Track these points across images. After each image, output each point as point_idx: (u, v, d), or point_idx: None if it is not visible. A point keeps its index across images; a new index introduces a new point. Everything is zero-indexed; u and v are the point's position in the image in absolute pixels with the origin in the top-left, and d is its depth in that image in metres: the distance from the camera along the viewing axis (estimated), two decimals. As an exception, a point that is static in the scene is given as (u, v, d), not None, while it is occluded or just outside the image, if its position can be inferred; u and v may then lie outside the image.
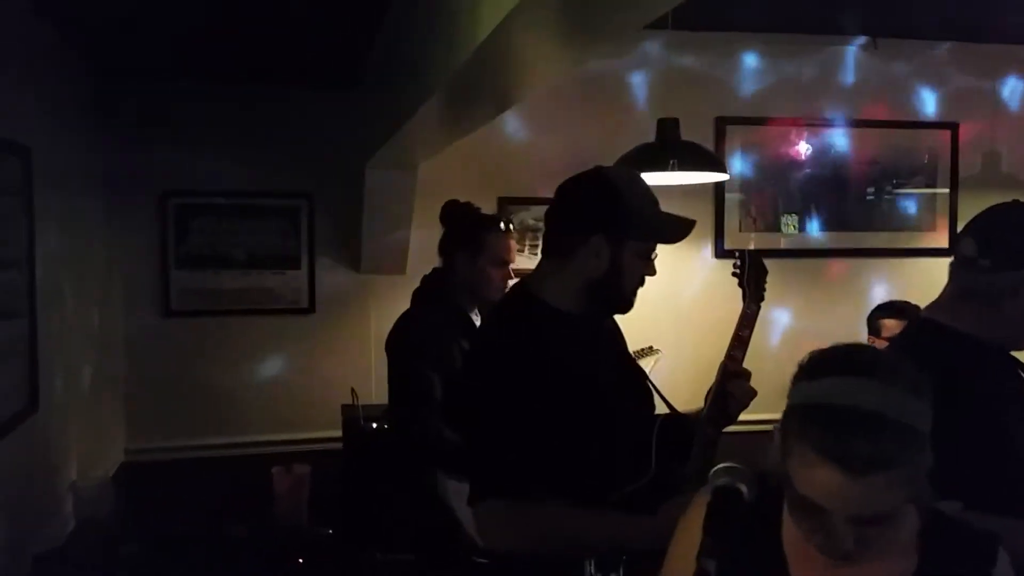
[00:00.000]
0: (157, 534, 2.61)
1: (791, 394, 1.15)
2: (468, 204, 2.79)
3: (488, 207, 3.35)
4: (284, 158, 3.52)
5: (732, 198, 3.81)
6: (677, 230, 1.85)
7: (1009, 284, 1.73)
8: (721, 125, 3.77)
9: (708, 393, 1.97)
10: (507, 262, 2.74)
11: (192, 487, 3.09)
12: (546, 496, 1.64)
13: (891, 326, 3.34)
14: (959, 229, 3.90)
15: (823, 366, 1.13)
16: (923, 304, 1.96)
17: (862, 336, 3.45)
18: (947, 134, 3.96)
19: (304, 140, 3.52)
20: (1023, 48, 3.86)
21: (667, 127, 3.02)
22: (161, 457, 3.41)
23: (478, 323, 2.73)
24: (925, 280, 3.85)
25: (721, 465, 1.17)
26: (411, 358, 2.61)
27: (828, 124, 3.89)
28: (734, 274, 2.08)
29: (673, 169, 2.88)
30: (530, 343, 1.72)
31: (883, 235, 3.98)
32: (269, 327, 3.57)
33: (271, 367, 3.58)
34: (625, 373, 1.91)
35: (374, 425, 3.22)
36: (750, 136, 3.82)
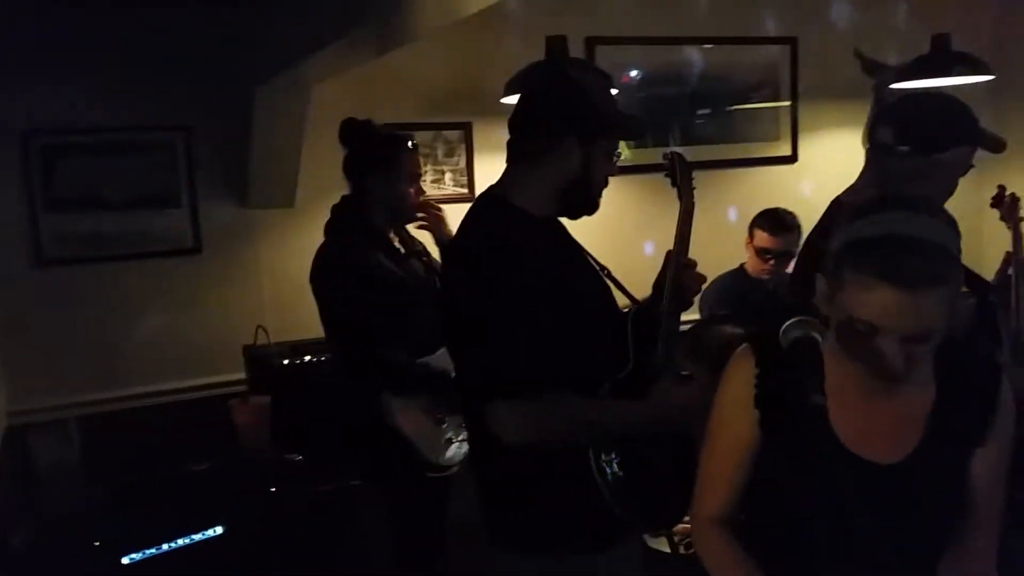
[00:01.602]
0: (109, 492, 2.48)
1: (840, 235, 1.30)
2: (369, 122, 2.74)
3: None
4: (158, 87, 3.27)
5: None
6: (639, 126, 1.94)
7: (924, 167, 1.98)
8: (591, 44, 3.90)
9: (656, 284, 2.13)
10: (419, 177, 2.75)
11: (104, 444, 2.91)
12: (550, 391, 1.71)
13: (761, 238, 3.63)
14: (799, 139, 4.34)
15: (865, 210, 1.29)
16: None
17: (732, 243, 3.75)
18: (787, 48, 4.30)
19: (180, 67, 3.26)
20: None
21: (557, 44, 3.11)
22: (46, 418, 3.16)
23: (397, 245, 2.74)
24: (775, 186, 4.25)
25: (793, 320, 1.30)
26: (341, 288, 2.57)
27: (681, 41, 4.10)
28: (666, 175, 2.24)
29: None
30: (509, 247, 1.76)
31: (736, 147, 4.29)
32: (153, 270, 3.34)
33: (160, 313, 3.37)
34: (592, 271, 2.00)
35: (285, 362, 3.16)
36: (619, 55, 3.97)
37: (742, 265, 3.69)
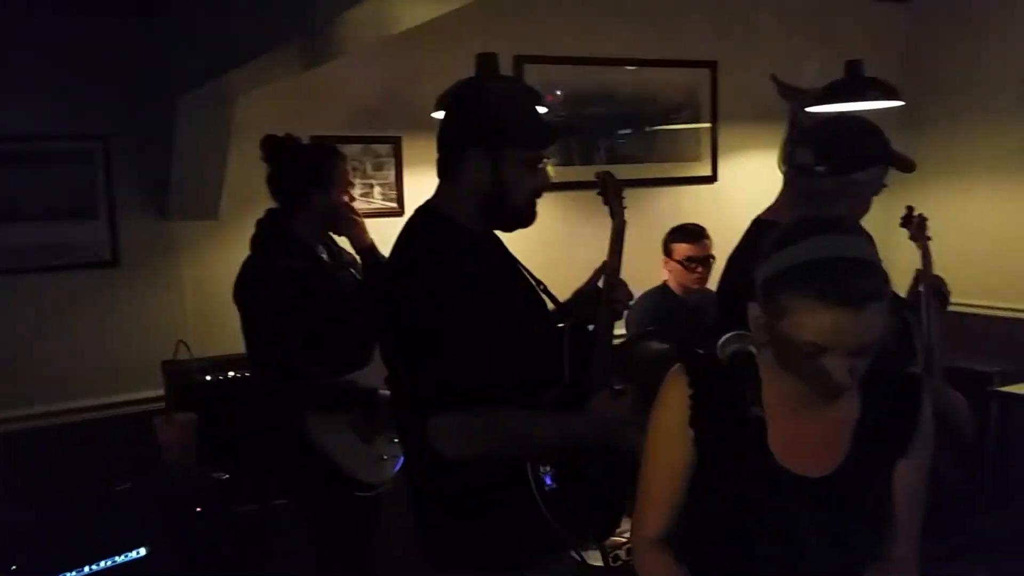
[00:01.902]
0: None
1: (771, 264, 1.33)
2: (289, 136, 2.71)
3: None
4: (74, 96, 3.16)
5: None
6: (554, 133, 1.95)
7: (841, 187, 2.06)
8: (520, 63, 3.95)
9: (578, 294, 2.17)
10: (352, 186, 2.76)
11: (20, 463, 2.78)
12: (489, 405, 1.72)
13: (681, 249, 3.73)
14: (719, 159, 4.46)
15: (795, 234, 1.33)
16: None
17: (653, 258, 3.83)
18: (708, 72, 4.43)
19: (99, 75, 3.17)
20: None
21: (487, 62, 3.14)
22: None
23: (326, 257, 2.71)
24: (695, 204, 4.36)
25: (729, 335, 1.34)
26: (266, 304, 2.52)
27: (607, 63, 4.18)
28: (598, 193, 2.29)
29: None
30: (446, 260, 1.77)
31: (658, 166, 4.39)
32: (70, 283, 3.23)
33: (77, 327, 3.25)
34: (528, 285, 2.02)
35: (208, 378, 3.09)
36: (547, 74, 4.02)
37: (664, 283, 3.77)
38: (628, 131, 4.28)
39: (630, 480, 1.61)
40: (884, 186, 2.14)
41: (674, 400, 1.44)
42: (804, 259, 1.29)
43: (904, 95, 3.66)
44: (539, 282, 2.04)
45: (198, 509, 2.58)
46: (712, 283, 3.63)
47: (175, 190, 3.29)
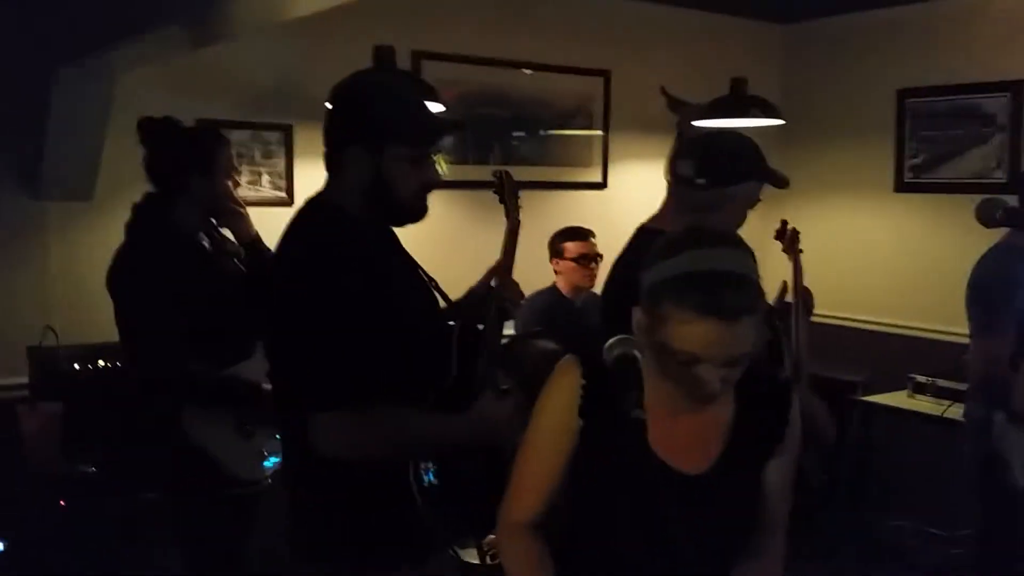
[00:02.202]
0: None
1: (654, 273, 1.37)
2: (169, 119, 2.61)
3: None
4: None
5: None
6: (437, 130, 1.90)
7: (719, 199, 2.15)
8: (417, 58, 3.93)
9: (471, 293, 2.18)
10: (235, 172, 2.68)
11: None
12: (373, 403, 1.70)
13: (571, 248, 3.81)
14: (609, 166, 4.56)
15: (678, 245, 1.37)
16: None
17: (544, 260, 3.89)
18: (601, 80, 4.52)
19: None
20: (668, 8, 4.52)
21: (385, 54, 3.11)
22: None
23: (208, 246, 2.62)
24: (585, 209, 4.45)
25: (615, 338, 1.37)
26: (142, 293, 2.42)
27: (504, 64, 4.22)
28: (494, 191, 2.31)
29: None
30: (334, 254, 1.74)
31: (551, 169, 4.45)
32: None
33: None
34: (421, 282, 2.00)
35: (76, 366, 2.95)
36: (444, 72, 4.01)
37: (554, 284, 3.83)
38: (522, 133, 4.32)
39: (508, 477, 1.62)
40: (759, 200, 2.24)
41: (566, 387, 1.46)
42: (685, 270, 1.33)
43: (783, 114, 3.83)
44: (431, 279, 2.02)
45: (61, 503, 2.46)
46: (598, 287, 3.73)
47: (47, 169, 3.12)
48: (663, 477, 1.42)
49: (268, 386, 2.28)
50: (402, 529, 1.78)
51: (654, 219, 2.32)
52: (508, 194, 2.28)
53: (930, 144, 4.49)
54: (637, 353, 1.35)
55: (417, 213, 1.87)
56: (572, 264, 3.77)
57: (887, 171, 4.63)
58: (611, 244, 3.82)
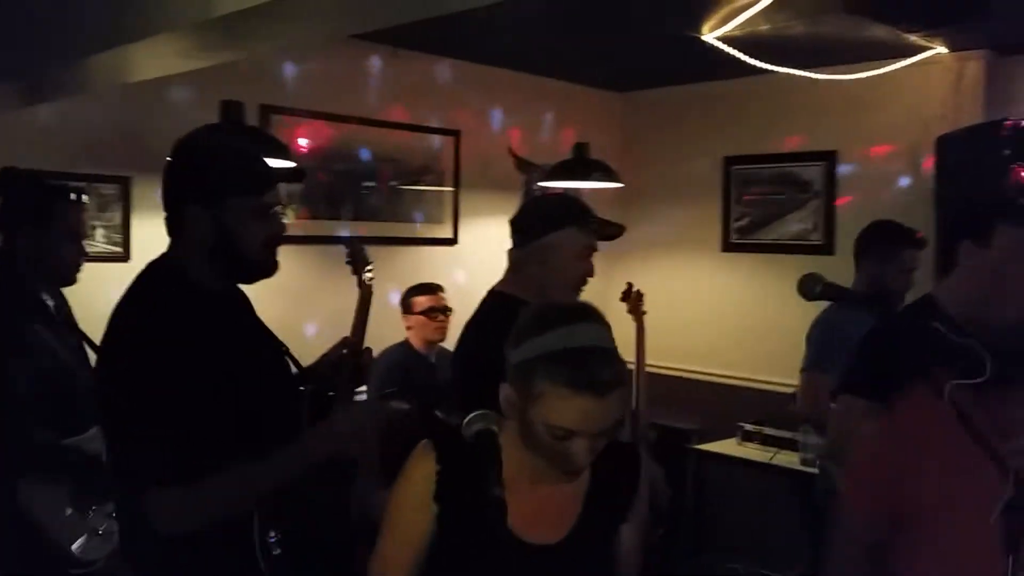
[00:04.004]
0: None
1: (523, 350, 1.41)
2: (30, 171, 2.49)
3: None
4: None
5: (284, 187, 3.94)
6: (273, 177, 1.86)
7: (534, 253, 2.23)
8: (266, 113, 3.89)
9: (322, 361, 2.16)
10: (81, 236, 2.53)
11: None
12: (205, 474, 1.63)
13: (421, 302, 3.85)
14: (460, 222, 4.65)
15: (544, 323, 1.42)
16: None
17: (394, 315, 3.90)
18: (451, 140, 4.63)
19: None
20: (514, 74, 4.70)
21: (232, 109, 3.08)
22: None
23: (52, 305, 2.48)
24: (437, 265, 4.50)
25: (474, 413, 1.40)
26: None
27: (354, 121, 4.24)
28: (347, 262, 2.33)
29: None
30: (171, 323, 1.69)
31: (403, 225, 4.49)
32: None
33: None
34: (269, 347, 1.96)
35: None
36: (292, 126, 3.99)
37: (406, 340, 3.84)
38: (372, 186, 4.34)
39: (360, 540, 1.61)
40: (590, 248, 2.26)
41: (420, 474, 1.47)
42: (555, 348, 1.38)
43: (623, 176, 4.05)
44: (282, 345, 1.99)
45: None
46: (448, 341, 3.77)
47: None
48: (519, 550, 1.45)
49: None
50: None
51: (502, 282, 2.38)
52: (359, 264, 2.30)
53: (753, 208, 4.85)
54: (495, 428, 1.38)
55: (266, 268, 1.83)
56: (422, 318, 3.80)
57: (715, 231, 4.96)
58: (462, 298, 3.91)
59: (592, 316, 1.45)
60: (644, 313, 3.51)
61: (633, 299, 3.55)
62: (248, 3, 1.71)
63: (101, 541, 2.34)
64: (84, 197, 2.56)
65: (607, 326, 1.45)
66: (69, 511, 2.29)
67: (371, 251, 4.45)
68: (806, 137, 4.60)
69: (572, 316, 1.43)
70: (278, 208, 1.83)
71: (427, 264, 4.45)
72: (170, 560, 1.68)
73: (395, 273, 4.21)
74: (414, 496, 1.48)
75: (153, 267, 1.80)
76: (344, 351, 2.13)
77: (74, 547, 2.28)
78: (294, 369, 2.02)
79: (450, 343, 3.81)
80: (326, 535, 1.87)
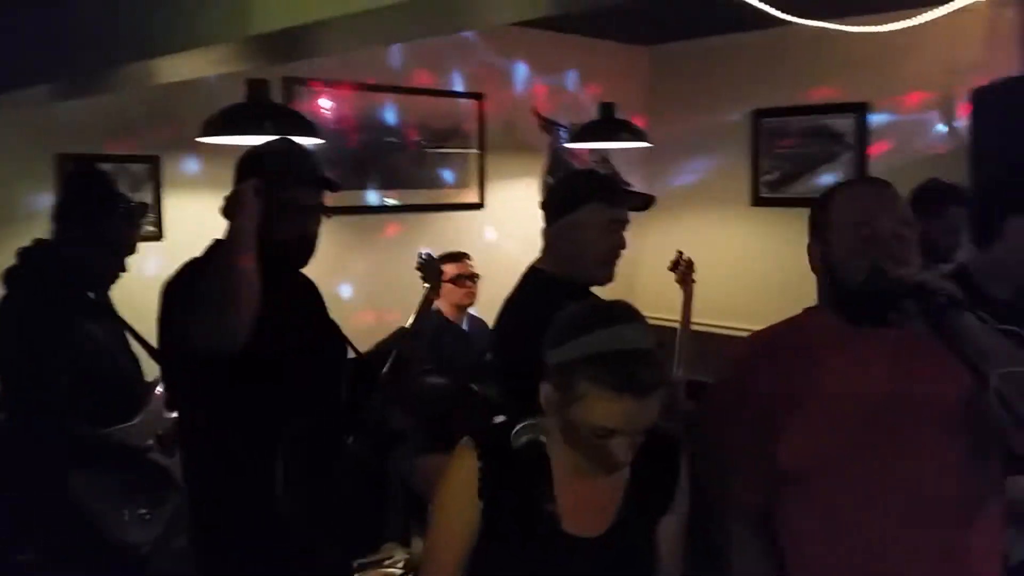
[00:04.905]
0: None
1: (564, 351, 1.43)
2: (103, 172, 2.56)
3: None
4: None
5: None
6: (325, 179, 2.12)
7: (562, 231, 2.21)
8: (289, 84, 3.88)
9: (378, 345, 2.28)
10: (126, 252, 2.56)
11: None
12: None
13: (449, 270, 3.85)
14: (487, 185, 4.64)
15: (586, 323, 1.43)
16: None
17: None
18: (475, 104, 4.59)
19: None
20: (538, 32, 4.63)
21: (258, 88, 3.07)
22: None
23: (93, 296, 2.53)
24: (464, 230, 4.50)
25: (522, 424, 1.42)
26: (26, 349, 2.31)
27: (378, 89, 4.22)
28: (421, 277, 2.47)
29: (268, 132, 2.95)
30: None
31: (429, 192, 4.49)
32: None
33: None
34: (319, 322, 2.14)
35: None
36: (316, 97, 3.98)
37: (437, 309, 3.86)
38: (399, 155, 4.33)
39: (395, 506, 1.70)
40: (618, 222, 2.22)
41: (463, 472, 1.50)
42: (597, 350, 1.39)
43: (650, 131, 3.99)
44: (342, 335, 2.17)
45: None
46: (481, 306, 3.80)
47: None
48: (563, 543, 1.48)
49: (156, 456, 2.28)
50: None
51: (540, 259, 2.35)
52: (432, 274, 2.71)
53: (784, 161, 4.78)
54: (543, 439, 1.40)
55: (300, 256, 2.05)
56: (450, 285, 3.82)
57: (745, 186, 4.90)
58: (490, 263, 3.93)
59: (632, 316, 1.46)
60: (694, 283, 3.47)
61: (683, 268, 3.51)
62: (284, 23, 1.72)
63: (148, 527, 2.42)
64: (144, 215, 2.61)
65: (647, 326, 1.47)
66: (117, 498, 2.36)
67: (399, 218, 4.50)
68: (837, 88, 4.50)
69: (613, 317, 1.44)
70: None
71: (455, 229, 4.46)
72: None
73: (424, 239, 4.21)
74: (459, 494, 1.51)
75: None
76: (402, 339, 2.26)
77: (120, 534, 2.36)
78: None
79: (480, 308, 3.85)
80: (359, 499, 1.93)
